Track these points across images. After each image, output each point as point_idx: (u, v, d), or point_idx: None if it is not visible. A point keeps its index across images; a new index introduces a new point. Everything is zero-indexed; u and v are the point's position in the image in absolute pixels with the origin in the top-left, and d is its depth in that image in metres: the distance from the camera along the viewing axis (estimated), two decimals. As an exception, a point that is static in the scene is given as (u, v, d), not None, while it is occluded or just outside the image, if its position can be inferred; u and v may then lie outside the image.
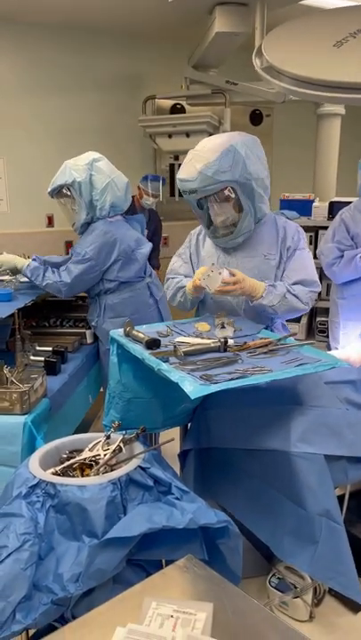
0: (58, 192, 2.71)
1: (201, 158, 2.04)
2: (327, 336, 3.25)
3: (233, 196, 2.07)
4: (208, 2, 3.32)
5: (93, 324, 2.84)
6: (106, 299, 2.76)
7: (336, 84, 2.12)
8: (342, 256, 2.69)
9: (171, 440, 1.72)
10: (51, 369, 2.39)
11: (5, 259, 2.80)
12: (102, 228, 2.66)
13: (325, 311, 3.33)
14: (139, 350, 1.80)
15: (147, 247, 2.85)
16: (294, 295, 2.08)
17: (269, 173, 2.16)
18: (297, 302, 2.08)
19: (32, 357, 2.46)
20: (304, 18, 2.67)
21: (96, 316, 2.81)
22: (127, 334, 1.92)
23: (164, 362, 1.67)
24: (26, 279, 2.89)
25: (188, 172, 2.07)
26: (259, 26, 3.14)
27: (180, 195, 5.00)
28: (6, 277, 2.97)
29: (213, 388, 1.50)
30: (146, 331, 1.94)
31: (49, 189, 2.74)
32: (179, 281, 2.29)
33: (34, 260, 2.73)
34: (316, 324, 3.68)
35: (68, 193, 2.67)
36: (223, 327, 1.97)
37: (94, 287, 2.77)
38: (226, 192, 2.06)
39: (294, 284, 2.10)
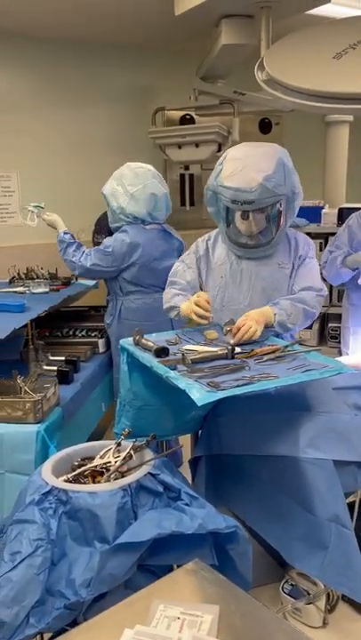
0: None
1: (258, 168, 1.91)
2: (339, 342, 3.26)
3: (282, 209, 1.99)
4: (214, 15, 3.35)
5: (108, 322, 2.94)
6: (123, 301, 2.86)
7: (336, 95, 2.15)
8: None
9: (180, 447, 1.74)
10: (63, 378, 2.44)
11: (52, 218, 3.01)
12: (130, 231, 2.80)
13: (337, 317, 3.34)
14: (147, 358, 1.82)
15: (170, 262, 2.89)
16: (300, 300, 2.04)
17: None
18: (306, 307, 2.04)
19: (45, 367, 2.51)
20: (305, 30, 2.71)
21: (110, 315, 2.93)
22: (136, 343, 1.95)
23: (172, 369, 1.69)
24: (39, 290, 3.02)
25: (245, 181, 1.91)
26: (264, 37, 3.15)
27: (192, 204, 4.91)
28: (20, 289, 3.05)
29: (220, 395, 1.52)
30: (155, 339, 1.97)
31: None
32: (177, 293, 2.20)
33: (65, 233, 2.91)
34: (328, 330, 3.68)
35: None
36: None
37: (113, 285, 2.90)
38: (278, 206, 1.99)
39: (302, 289, 2.09)
